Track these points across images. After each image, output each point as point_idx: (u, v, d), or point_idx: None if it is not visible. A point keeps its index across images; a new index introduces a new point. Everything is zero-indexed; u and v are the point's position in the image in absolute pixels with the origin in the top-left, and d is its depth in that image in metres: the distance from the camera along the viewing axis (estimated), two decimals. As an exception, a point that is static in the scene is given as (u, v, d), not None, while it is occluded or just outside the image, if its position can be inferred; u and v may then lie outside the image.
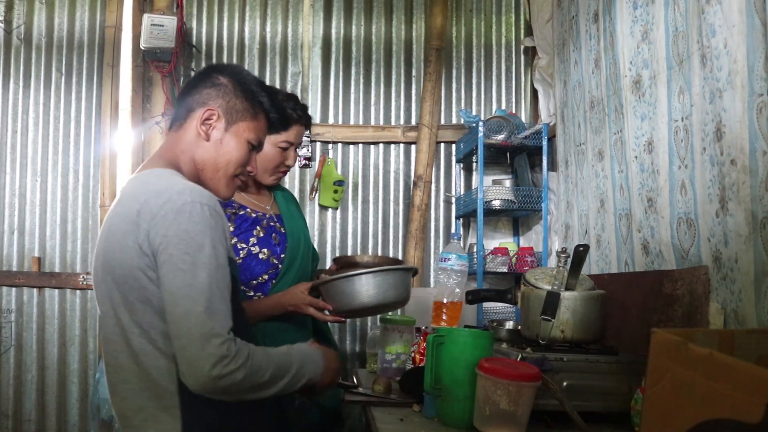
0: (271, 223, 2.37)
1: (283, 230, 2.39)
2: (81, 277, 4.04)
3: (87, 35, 4.21)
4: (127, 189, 1.60)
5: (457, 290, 2.57)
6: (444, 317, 2.54)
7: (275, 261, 2.31)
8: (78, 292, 4.06)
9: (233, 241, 2.26)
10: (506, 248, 3.81)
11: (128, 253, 1.46)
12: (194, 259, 1.41)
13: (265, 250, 2.29)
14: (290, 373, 1.57)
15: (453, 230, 4.25)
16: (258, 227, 2.32)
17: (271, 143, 2.31)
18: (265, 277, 2.30)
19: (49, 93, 4.16)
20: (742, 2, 1.92)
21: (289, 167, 2.43)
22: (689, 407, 0.91)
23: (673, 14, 2.35)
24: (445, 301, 2.57)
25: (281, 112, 1.80)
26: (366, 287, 2.11)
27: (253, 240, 2.29)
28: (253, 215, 2.34)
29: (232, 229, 2.27)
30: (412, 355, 2.60)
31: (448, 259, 2.53)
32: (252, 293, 2.28)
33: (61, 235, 4.09)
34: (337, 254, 4.21)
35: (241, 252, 2.26)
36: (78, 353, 4.04)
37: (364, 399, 2.25)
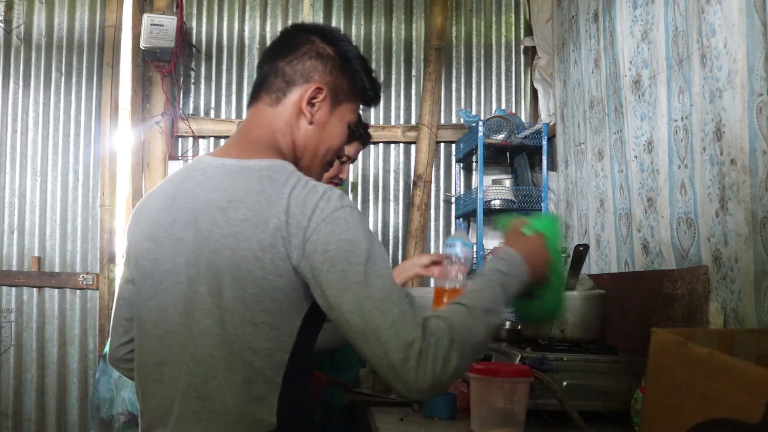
0: None
1: None
2: (81, 276, 4.04)
3: (87, 35, 4.21)
4: (241, 183, 1.32)
5: (460, 276, 2.53)
6: (445, 303, 2.49)
7: None
8: (78, 291, 4.06)
9: None
10: (506, 248, 3.80)
11: (270, 272, 1.25)
12: (368, 269, 1.23)
13: None
14: (501, 303, 1.36)
15: (453, 229, 4.25)
16: None
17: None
18: None
19: (49, 93, 4.16)
20: (742, 2, 1.92)
21: (341, 181, 2.37)
22: (689, 407, 0.91)
23: (673, 14, 2.35)
24: (447, 287, 2.51)
25: (377, 93, 1.58)
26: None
27: None
28: None
29: None
30: (412, 354, 2.60)
31: (453, 245, 2.46)
32: None
33: (60, 234, 4.09)
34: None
35: None
36: (78, 353, 4.04)
37: (364, 398, 2.25)
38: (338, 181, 2.38)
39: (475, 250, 3.77)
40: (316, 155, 1.47)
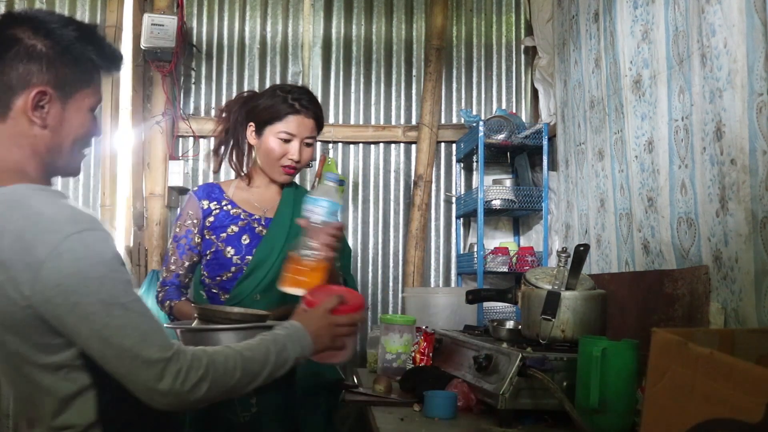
0: (253, 225, 2.28)
1: (264, 233, 2.29)
2: (81, 276, 4.04)
3: (87, 35, 4.20)
4: None
5: (315, 243, 1.88)
6: (299, 278, 1.89)
7: (238, 261, 2.23)
8: (78, 291, 4.06)
9: (209, 236, 2.25)
10: (506, 248, 3.81)
11: (13, 302, 1.23)
12: (102, 297, 1.23)
13: (229, 248, 2.23)
14: (269, 362, 1.42)
15: (453, 228, 4.25)
16: (233, 225, 2.26)
17: (271, 133, 2.24)
18: (228, 275, 2.23)
19: (49, 93, 4.16)
20: (742, 2, 1.92)
21: (294, 162, 2.27)
22: (690, 407, 0.91)
23: (674, 14, 2.36)
24: (299, 254, 1.90)
25: (116, 61, 1.46)
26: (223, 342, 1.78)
27: (223, 236, 2.24)
28: (237, 212, 2.28)
29: (210, 223, 2.26)
30: (413, 354, 2.60)
31: (307, 209, 1.90)
32: (216, 290, 2.26)
33: (61, 234, 4.09)
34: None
35: (213, 247, 2.24)
36: (78, 353, 4.04)
37: (364, 399, 2.25)
38: (290, 164, 2.26)
39: (476, 251, 3.77)
40: (62, 151, 1.41)
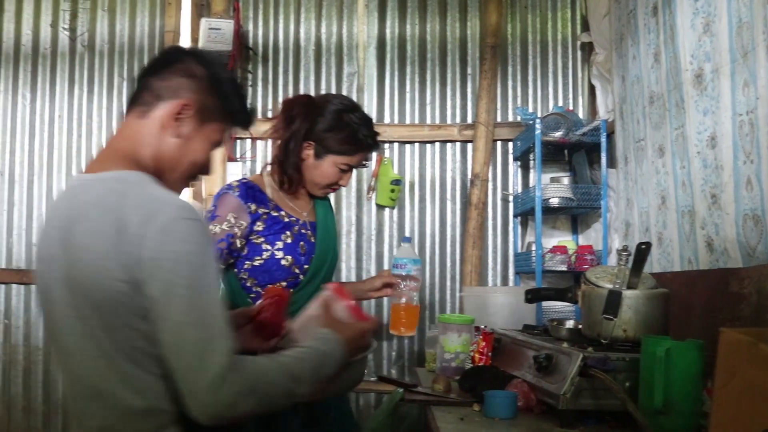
0: (303, 231, 2.31)
1: (313, 239, 2.33)
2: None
3: (147, 41, 4.30)
4: (88, 197, 1.38)
5: (413, 293, 2.54)
6: (402, 321, 2.53)
7: (297, 270, 2.26)
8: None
9: (259, 241, 2.24)
10: (565, 246, 3.76)
11: (110, 277, 1.29)
12: (192, 283, 1.28)
13: (288, 257, 2.24)
14: (304, 381, 1.40)
15: (510, 228, 4.22)
16: (288, 232, 2.27)
17: (332, 162, 2.30)
18: (284, 284, 2.24)
19: (111, 97, 4.27)
20: (810, -9, 1.87)
21: (340, 187, 2.40)
22: (762, 409, 0.89)
23: (737, 5, 2.30)
24: (402, 304, 2.54)
25: (248, 116, 1.64)
26: None
27: (279, 244, 2.24)
28: (286, 219, 2.30)
29: (261, 228, 2.25)
30: (471, 354, 2.60)
31: (403, 266, 2.53)
32: None
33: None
34: (395, 254, 4.21)
35: (264, 254, 2.23)
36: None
37: (423, 398, 2.26)
38: (337, 187, 2.40)
39: (533, 250, 3.75)
40: (177, 168, 1.52)
